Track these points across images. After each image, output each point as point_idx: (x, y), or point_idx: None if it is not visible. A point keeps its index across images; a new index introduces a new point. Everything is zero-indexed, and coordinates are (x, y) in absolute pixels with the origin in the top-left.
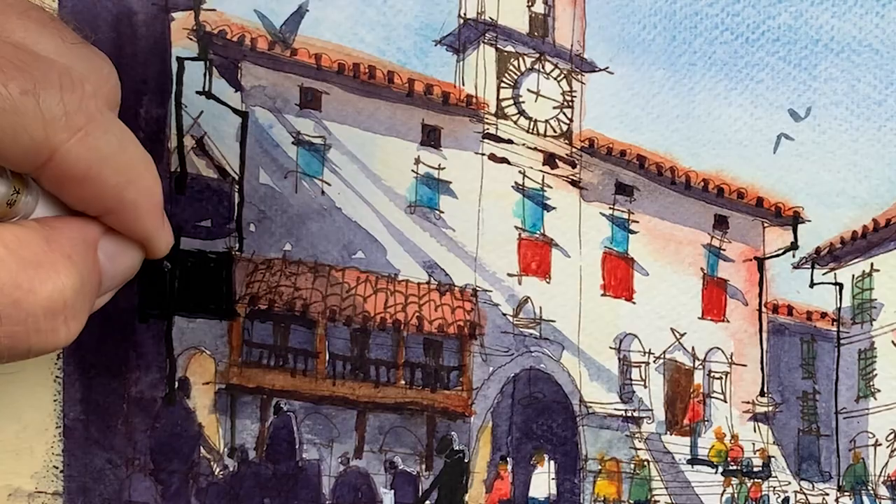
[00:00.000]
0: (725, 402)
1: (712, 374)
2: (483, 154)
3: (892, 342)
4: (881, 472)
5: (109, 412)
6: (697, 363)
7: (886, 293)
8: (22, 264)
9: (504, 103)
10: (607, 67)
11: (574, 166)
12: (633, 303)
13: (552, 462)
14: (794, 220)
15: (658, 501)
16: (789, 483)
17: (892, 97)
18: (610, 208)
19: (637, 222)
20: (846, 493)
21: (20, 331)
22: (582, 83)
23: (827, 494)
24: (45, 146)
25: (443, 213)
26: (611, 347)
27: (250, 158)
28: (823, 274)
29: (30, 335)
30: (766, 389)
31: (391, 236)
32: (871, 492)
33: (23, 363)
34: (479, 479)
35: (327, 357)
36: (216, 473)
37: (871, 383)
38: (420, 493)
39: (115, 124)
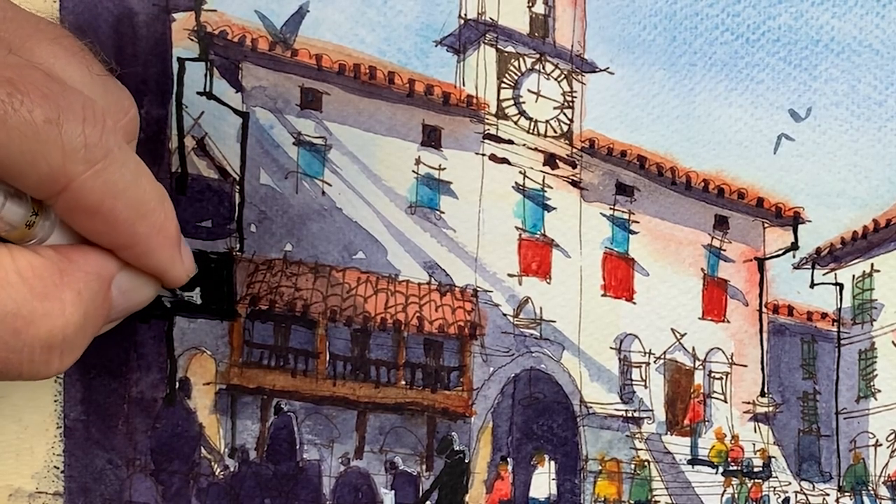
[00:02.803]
0: (726, 402)
1: (713, 375)
2: (483, 154)
3: (893, 342)
4: (881, 473)
5: (110, 412)
6: (698, 363)
7: (887, 293)
8: (31, 294)
9: (504, 104)
10: (608, 68)
11: (574, 167)
12: (634, 303)
13: (552, 462)
14: (794, 220)
15: (658, 502)
16: (790, 483)
17: (892, 97)
18: (610, 209)
19: (637, 223)
20: (846, 494)
21: (14, 358)
22: (582, 84)
23: (827, 495)
24: (61, 176)
25: (443, 213)
26: (611, 348)
27: (251, 159)
28: (824, 274)
29: (23, 364)
30: (766, 390)
31: (392, 237)
32: (872, 492)
33: None
34: (480, 480)
35: (328, 357)
36: (217, 474)
37: (872, 384)
38: (420, 494)
39: (132, 159)
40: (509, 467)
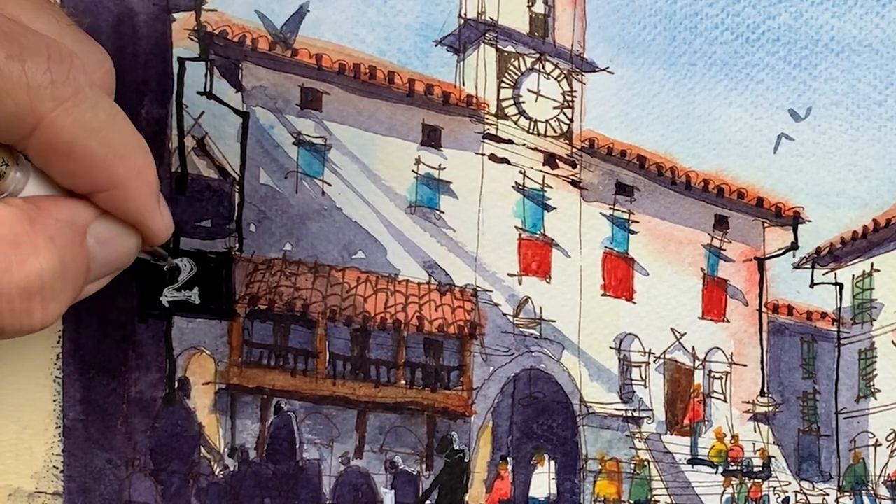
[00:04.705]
0: (725, 402)
1: (712, 374)
2: (483, 154)
3: (893, 342)
4: (881, 473)
5: (109, 412)
6: (697, 363)
7: (887, 293)
8: (1, 243)
9: (504, 103)
10: (607, 67)
11: (574, 166)
12: (634, 303)
13: (552, 462)
14: (794, 220)
15: (658, 501)
16: (789, 483)
17: (892, 97)
18: (610, 208)
19: (637, 222)
20: (846, 494)
21: None
22: (582, 83)
23: (827, 494)
24: (29, 113)
25: (443, 213)
26: (611, 347)
27: (251, 159)
28: (824, 274)
29: (3, 314)
30: (766, 389)
31: (391, 236)
32: (872, 492)
33: (24, 362)
34: (480, 479)
35: (327, 357)
36: (216, 473)
37: (872, 383)
38: (420, 493)
39: (105, 100)
40: (509, 467)
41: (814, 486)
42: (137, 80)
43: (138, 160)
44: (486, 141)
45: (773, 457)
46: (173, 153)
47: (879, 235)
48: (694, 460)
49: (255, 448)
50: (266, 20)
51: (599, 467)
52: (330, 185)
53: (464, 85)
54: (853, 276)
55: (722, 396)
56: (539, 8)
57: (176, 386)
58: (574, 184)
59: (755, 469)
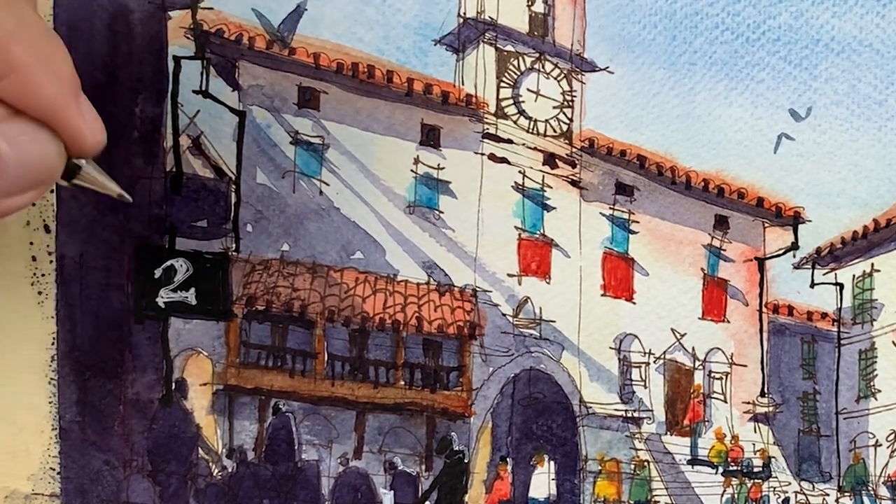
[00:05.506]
0: (726, 402)
1: (712, 375)
2: (483, 154)
3: (893, 342)
4: (881, 473)
5: (106, 414)
6: (698, 363)
7: (887, 293)
8: None
9: (504, 103)
10: (607, 67)
11: (574, 166)
12: (634, 303)
13: (552, 462)
14: (794, 220)
15: (658, 502)
16: (789, 483)
17: (892, 97)
18: (610, 208)
19: (637, 222)
20: (846, 494)
21: None
22: (582, 83)
23: (827, 495)
24: None
25: (442, 213)
26: (611, 348)
27: (247, 158)
28: (824, 274)
29: None
30: (766, 390)
31: (390, 236)
32: (872, 492)
33: (19, 364)
34: (479, 480)
35: (326, 358)
36: (215, 474)
37: (872, 384)
38: (420, 494)
39: None
40: (509, 467)
41: (814, 487)
42: (132, 78)
43: (43, 46)
44: (485, 140)
45: (773, 457)
46: (168, 152)
47: (879, 235)
48: (694, 461)
49: (253, 449)
50: (263, 18)
51: (599, 468)
52: (328, 184)
53: (463, 84)
54: (853, 276)
55: (722, 397)
56: (538, 7)
57: (173, 387)
58: (574, 184)
59: (755, 469)
